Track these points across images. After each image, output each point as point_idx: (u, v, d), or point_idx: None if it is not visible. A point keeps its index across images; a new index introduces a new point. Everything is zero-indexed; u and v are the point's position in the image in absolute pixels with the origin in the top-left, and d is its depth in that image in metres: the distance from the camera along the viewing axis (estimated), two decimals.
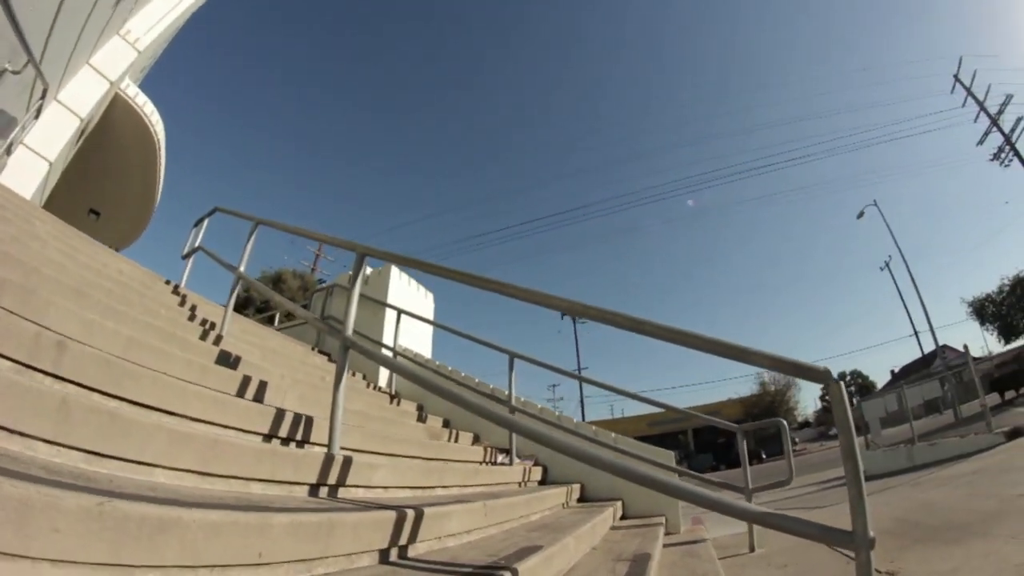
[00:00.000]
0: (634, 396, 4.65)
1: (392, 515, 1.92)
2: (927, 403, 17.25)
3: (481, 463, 4.36)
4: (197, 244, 5.21)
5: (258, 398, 2.98)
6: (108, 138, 13.22)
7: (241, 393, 2.93)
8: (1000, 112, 25.69)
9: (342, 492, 2.35)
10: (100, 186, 15.08)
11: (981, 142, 27.17)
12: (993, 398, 17.33)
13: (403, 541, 1.97)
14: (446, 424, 5.61)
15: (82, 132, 10.40)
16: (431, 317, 8.57)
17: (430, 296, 9.49)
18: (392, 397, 5.82)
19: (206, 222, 5.37)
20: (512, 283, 2.29)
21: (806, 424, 60.95)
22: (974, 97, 26.45)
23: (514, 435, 4.73)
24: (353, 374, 6.48)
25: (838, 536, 1.39)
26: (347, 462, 2.37)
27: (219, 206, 5.31)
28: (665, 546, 4.00)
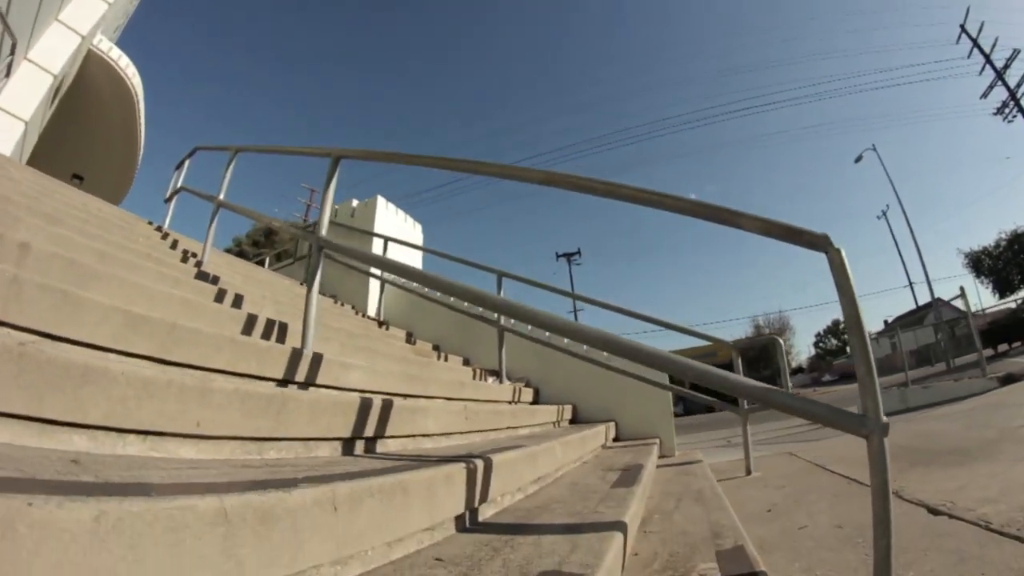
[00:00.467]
0: (630, 313, 4.49)
1: (357, 402, 1.78)
2: (919, 353, 17.24)
3: (469, 381, 4.26)
4: (180, 185, 5.02)
5: (234, 307, 2.84)
6: (85, 97, 12.78)
7: (217, 301, 2.80)
8: (1007, 66, 24.25)
9: (311, 391, 2.21)
10: (81, 148, 14.66)
11: (985, 95, 25.69)
12: (986, 351, 17.38)
13: (369, 433, 1.84)
14: (436, 348, 5.51)
15: (57, 90, 10.09)
16: (420, 244, 8.38)
17: (419, 227, 9.39)
18: (380, 323, 5.70)
19: (187, 163, 5.22)
20: (485, 160, 2.27)
21: (799, 370, 61.42)
22: (980, 48, 25.08)
23: (504, 352, 4.63)
24: (341, 304, 6.35)
25: (848, 420, 1.29)
26: (318, 359, 2.21)
27: (199, 144, 5.17)
28: (659, 467, 3.97)
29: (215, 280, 3.26)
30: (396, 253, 7.10)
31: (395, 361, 3.42)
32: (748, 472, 4.16)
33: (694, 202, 1.69)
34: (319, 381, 2.21)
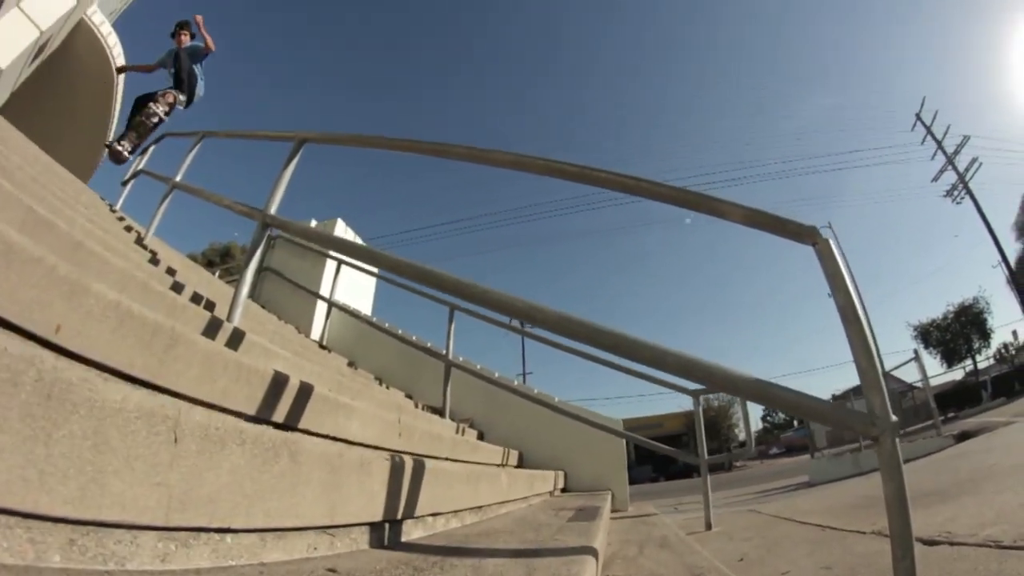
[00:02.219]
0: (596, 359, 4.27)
1: (271, 376, 1.44)
2: None
3: (409, 407, 3.89)
4: (141, 168, 4.80)
5: (167, 273, 2.52)
6: (66, 66, 12.34)
7: (151, 263, 2.49)
8: (956, 152, 27.25)
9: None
10: (51, 118, 14.10)
11: (936, 179, 28.68)
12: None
13: (279, 419, 1.48)
14: (378, 379, 5.10)
15: (41, 49, 9.78)
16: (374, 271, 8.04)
17: None
18: (322, 346, 5.27)
19: (152, 148, 5.14)
20: (451, 143, 2.08)
21: (743, 444, 61.67)
22: (933, 136, 28.04)
23: (449, 389, 4.30)
24: (284, 323, 5.90)
25: (855, 419, 1.18)
26: (239, 335, 1.86)
27: (168, 131, 5.11)
28: (613, 518, 3.69)
29: (153, 255, 3.02)
30: (348, 280, 6.76)
31: (331, 371, 3.05)
32: (708, 527, 3.90)
33: (673, 188, 1.56)
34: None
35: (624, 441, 4.68)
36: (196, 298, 2.47)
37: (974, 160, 26.68)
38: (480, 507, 1.99)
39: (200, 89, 5.62)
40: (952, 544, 2.21)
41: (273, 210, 2.46)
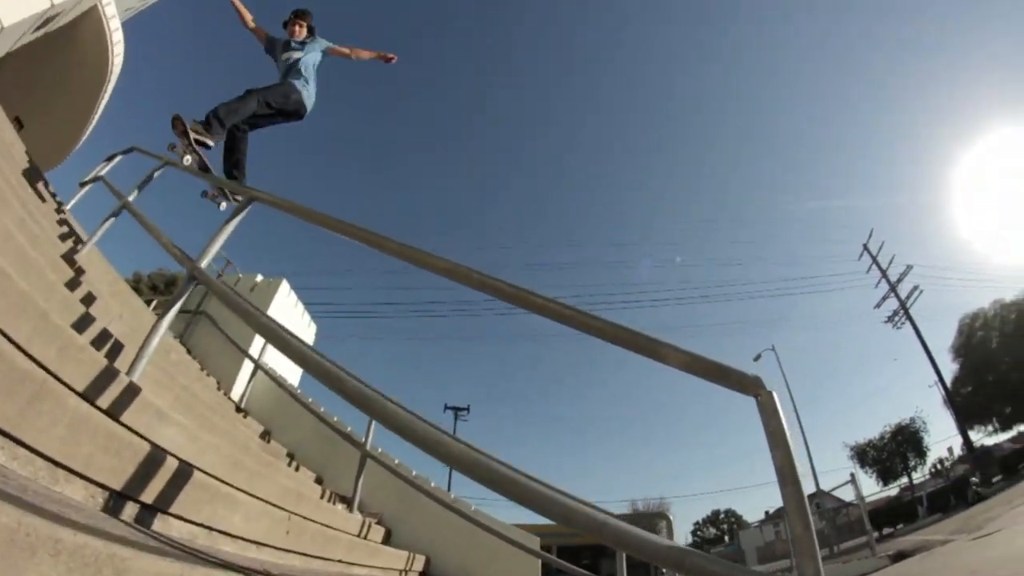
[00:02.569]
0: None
1: (146, 451, 1.28)
2: None
3: (313, 497, 3.57)
4: (102, 174, 4.54)
5: (81, 301, 2.32)
6: (66, 49, 12.38)
7: (67, 287, 2.28)
8: (899, 280, 29.38)
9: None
10: (37, 96, 13.80)
11: (879, 305, 30.64)
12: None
13: (149, 500, 1.30)
14: (290, 456, 4.73)
15: (47, 21, 9.88)
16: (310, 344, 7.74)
17: (313, 328, 8.93)
18: (239, 409, 4.91)
19: (119, 158, 4.77)
20: (387, 236, 1.95)
21: None
22: (878, 265, 30.54)
23: (362, 480, 3.99)
24: (207, 374, 5.53)
25: None
26: (132, 392, 1.68)
27: (137, 146, 4.74)
28: None
29: (78, 274, 2.79)
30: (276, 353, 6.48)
31: (231, 443, 2.79)
32: None
33: (610, 324, 1.48)
34: (122, 418, 1.66)
35: (539, 560, 4.40)
36: (103, 338, 2.27)
37: (915, 288, 29.02)
38: None
39: (307, 98, 4.20)
40: None
41: (204, 263, 2.31)
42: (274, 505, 2.35)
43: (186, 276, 2.29)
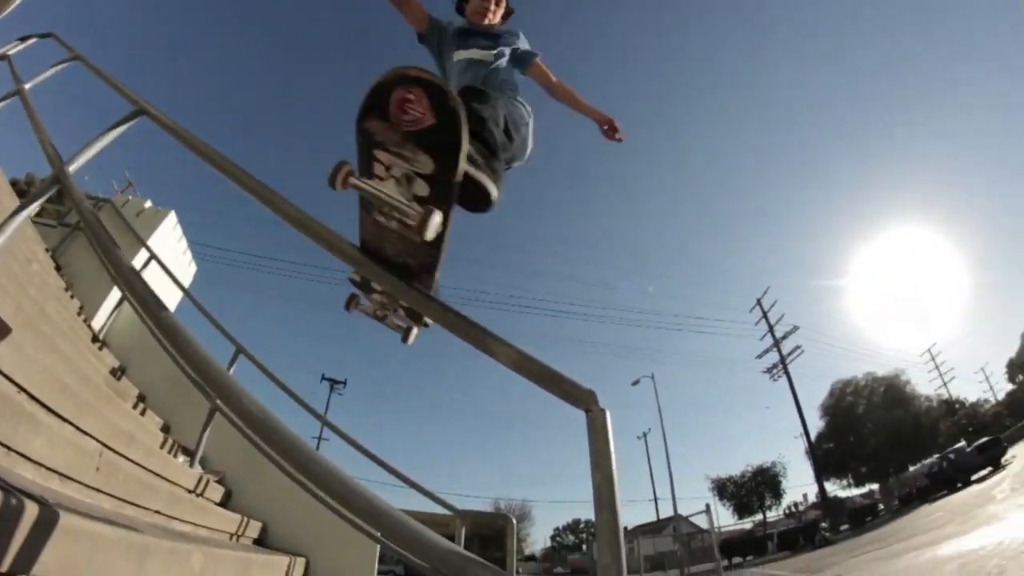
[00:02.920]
0: (375, 458, 3.98)
1: None
2: (655, 559, 18.41)
3: (152, 447, 3.34)
4: (9, 53, 3.95)
5: None
6: None
7: None
8: (784, 337, 32.81)
9: None
10: None
11: (761, 356, 34.13)
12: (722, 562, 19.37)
13: None
14: (141, 398, 4.41)
15: None
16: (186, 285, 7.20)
17: (193, 268, 8.41)
18: (96, 339, 4.52)
19: (33, 41, 4.09)
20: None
21: (532, 558, 61.71)
22: (767, 320, 33.56)
23: (207, 434, 3.81)
24: (71, 295, 5.04)
25: None
26: None
27: (56, 33, 4.00)
28: None
29: None
30: (154, 282, 6.03)
31: (70, 370, 2.54)
32: None
33: (447, 308, 1.44)
34: None
35: (377, 546, 4.29)
36: None
37: (797, 347, 32.42)
38: None
39: (525, 142, 2.14)
40: None
41: (74, 168, 2.07)
42: (95, 439, 2.18)
43: (50, 178, 2.06)
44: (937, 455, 25.66)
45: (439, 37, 2.40)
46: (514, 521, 3.73)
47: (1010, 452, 20.82)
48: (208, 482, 3.57)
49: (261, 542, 3.89)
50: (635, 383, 36.64)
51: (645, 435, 41.50)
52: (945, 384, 45.97)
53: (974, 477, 19.34)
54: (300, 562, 3.77)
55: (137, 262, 5.70)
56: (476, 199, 1.71)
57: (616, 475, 1.09)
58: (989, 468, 19.16)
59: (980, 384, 59.30)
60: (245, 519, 3.52)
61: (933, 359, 48.67)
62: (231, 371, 4.07)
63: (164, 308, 1.43)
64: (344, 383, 38.76)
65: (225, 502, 4.01)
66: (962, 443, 23.89)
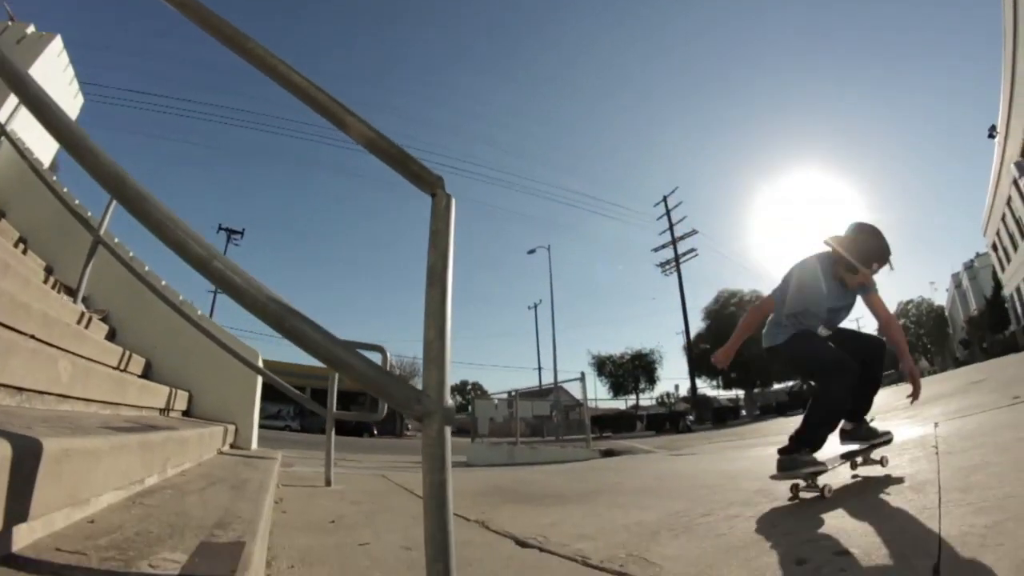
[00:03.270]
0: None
1: None
2: (534, 423, 19.92)
3: (32, 281, 3.41)
4: None
5: None
6: None
7: None
8: (682, 238, 34.99)
9: None
10: None
11: (657, 250, 36.36)
12: (593, 434, 21.12)
13: None
14: (23, 240, 4.40)
15: None
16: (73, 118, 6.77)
17: (80, 101, 7.92)
18: None
19: None
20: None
21: None
22: (669, 218, 35.71)
23: (90, 269, 3.85)
24: None
25: (404, 392, 1.02)
26: None
27: None
28: (224, 454, 3.67)
29: None
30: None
31: None
32: (328, 483, 3.97)
33: (301, 77, 1.26)
34: None
35: (259, 377, 4.64)
36: None
37: (692, 250, 34.79)
38: None
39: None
40: (542, 550, 2.17)
41: None
42: None
43: None
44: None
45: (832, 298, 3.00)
46: (388, 352, 4.10)
47: None
48: (91, 319, 3.74)
49: (148, 375, 4.15)
50: (531, 252, 38.79)
51: (536, 306, 43.74)
52: None
53: None
54: (183, 395, 4.05)
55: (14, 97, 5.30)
56: None
57: (451, 256, 1.15)
58: None
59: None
60: (128, 353, 3.72)
61: None
62: (106, 221, 4.03)
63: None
64: (242, 233, 37.55)
65: (111, 337, 4.20)
66: None
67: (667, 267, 35.87)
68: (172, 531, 1.22)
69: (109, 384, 2.61)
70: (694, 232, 34.75)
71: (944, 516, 1.84)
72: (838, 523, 2.08)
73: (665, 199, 35.60)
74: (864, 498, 2.47)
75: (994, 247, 35.74)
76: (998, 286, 38.96)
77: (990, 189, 31.43)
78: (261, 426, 4.98)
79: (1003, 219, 30.61)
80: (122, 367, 3.60)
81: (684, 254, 34.74)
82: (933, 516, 1.87)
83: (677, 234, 34.95)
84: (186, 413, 4.24)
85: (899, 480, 2.67)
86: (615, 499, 3.60)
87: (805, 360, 2.93)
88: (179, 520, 1.33)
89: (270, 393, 5.05)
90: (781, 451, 2.81)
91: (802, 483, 2.72)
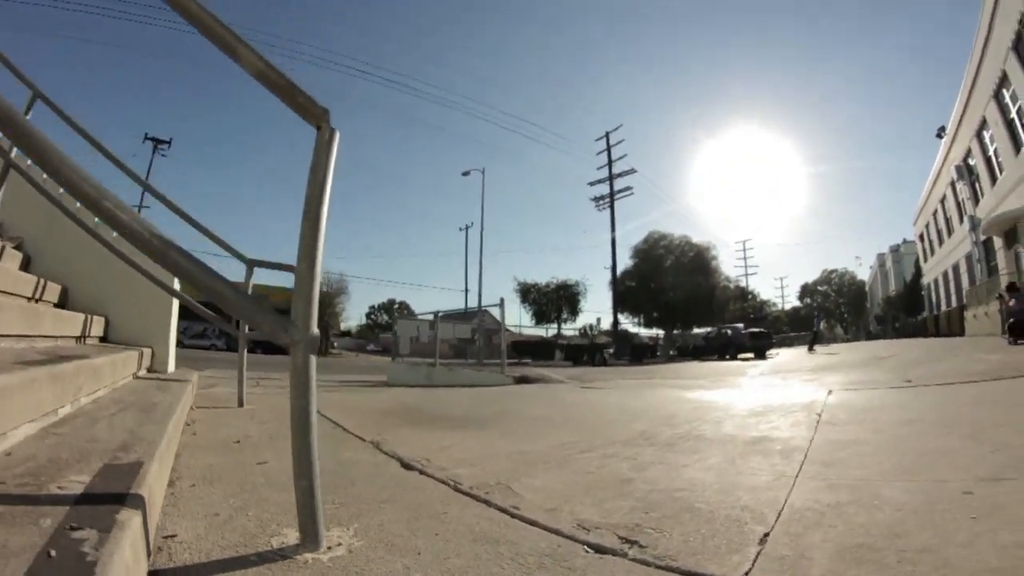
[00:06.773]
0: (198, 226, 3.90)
1: None
2: (456, 345, 19.57)
3: None
4: None
5: None
6: None
7: None
8: (620, 175, 35.24)
9: None
10: None
11: (593, 184, 36.56)
12: (513, 359, 20.16)
13: None
14: None
15: None
16: None
17: None
18: None
19: None
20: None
21: (347, 333, 66.31)
22: (609, 154, 36.34)
23: (2, 194, 3.66)
24: None
25: (274, 324, 1.15)
26: None
27: None
28: (140, 378, 3.74)
29: None
30: None
31: None
32: (240, 404, 4.06)
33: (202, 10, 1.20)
34: None
35: (174, 300, 4.58)
36: None
37: (628, 188, 35.10)
38: None
39: None
40: (422, 473, 2.26)
41: None
42: None
43: None
44: (718, 326, 30.16)
45: None
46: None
47: (774, 351, 24.81)
48: (4, 247, 3.70)
49: (62, 306, 4.09)
50: (466, 173, 38.76)
51: (467, 228, 44.14)
52: (747, 275, 56.02)
53: (740, 356, 22.27)
54: (99, 320, 4.07)
55: None
56: None
57: (328, 190, 1.18)
58: (753, 354, 22.09)
59: (776, 291, 71.75)
60: (43, 282, 3.69)
61: (744, 251, 57.99)
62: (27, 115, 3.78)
63: None
64: (169, 143, 35.42)
65: (25, 269, 4.13)
66: (741, 325, 27.23)
67: (601, 202, 36.09)
68: (80, 456, 1.37)
69: (23, 317, 2.69)
70: (632, 171, 34.96)
71: (797, 487, 1.94)
72: (695, 475, 2.21)
73: (607, 135, 35.32)
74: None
75: (921, 238, 38.94)
76: (918, 273, 42.39)
77: (928, 184, 34.08)
78: (187, 346, 4.99)
79: (934, 215, 33.16)
80: (37, 296, 3.60)
81: (620, 191, 34.98)
82: (788, 485, 1.97)
83: (616, 171, 35.07)
84: (103, 339, 4.28)
85: (774, 441, 2.84)
86: (511, 427, 3.70)
87: None
88: (88, 446, 1.49)
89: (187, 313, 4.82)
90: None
91: None
